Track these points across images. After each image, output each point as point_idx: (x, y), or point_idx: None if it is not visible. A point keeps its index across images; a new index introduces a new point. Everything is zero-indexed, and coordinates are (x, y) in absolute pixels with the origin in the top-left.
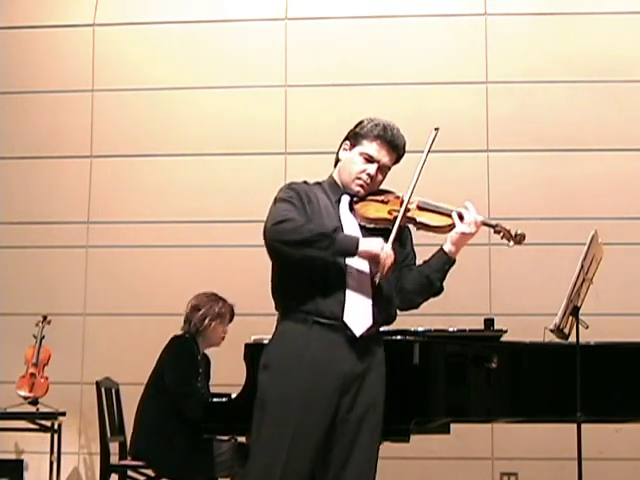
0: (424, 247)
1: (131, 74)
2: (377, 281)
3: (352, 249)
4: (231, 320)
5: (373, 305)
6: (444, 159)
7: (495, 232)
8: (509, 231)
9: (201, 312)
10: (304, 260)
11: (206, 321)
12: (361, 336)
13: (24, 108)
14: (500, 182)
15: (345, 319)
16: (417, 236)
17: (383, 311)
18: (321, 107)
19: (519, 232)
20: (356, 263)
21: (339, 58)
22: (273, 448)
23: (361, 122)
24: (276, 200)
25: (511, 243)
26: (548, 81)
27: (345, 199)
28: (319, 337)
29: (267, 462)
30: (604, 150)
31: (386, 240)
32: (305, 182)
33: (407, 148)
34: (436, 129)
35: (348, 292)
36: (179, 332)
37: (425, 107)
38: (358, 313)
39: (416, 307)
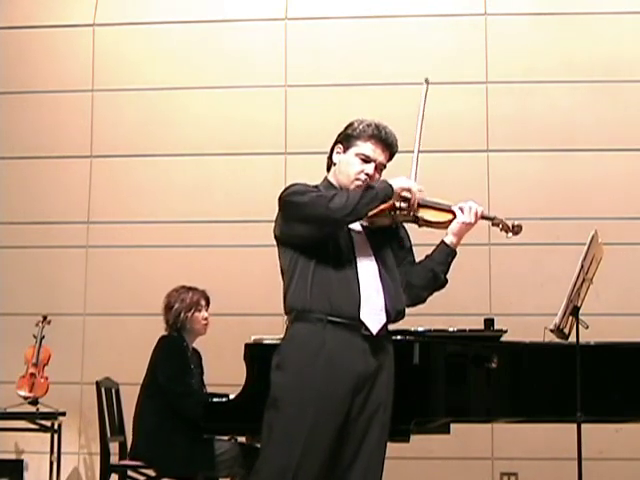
0: (425, 247)
1: (131, 74)
2: (412, 213)
3: (389, 190)
4: (208, 304)
5: (385, 302)
6: (444, 159)
7: (493, 224)
8: (506, 223)
9: (174, 308)
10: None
11: (182, 315)
12: (376, 334)
13: (24, 108)
14: (500, 182)
15: (362, 317)
16: (418, 237)
17: (394, 308)
18: (321, 107)
19: (516, 223)
20: (365, 261)
21: (339, 58)
22: (286, 448)
23: (351, 124)
24: (297, 194)
25: (509, 234)
26: (548, 81)
27: None
28: (334, 337)
29: (280, 462)
30: (604, 150)
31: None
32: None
33: (405, 147)
34: (426, 81)
35: (362, 290)
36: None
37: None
38: (373, 311)
39: (423, 302)
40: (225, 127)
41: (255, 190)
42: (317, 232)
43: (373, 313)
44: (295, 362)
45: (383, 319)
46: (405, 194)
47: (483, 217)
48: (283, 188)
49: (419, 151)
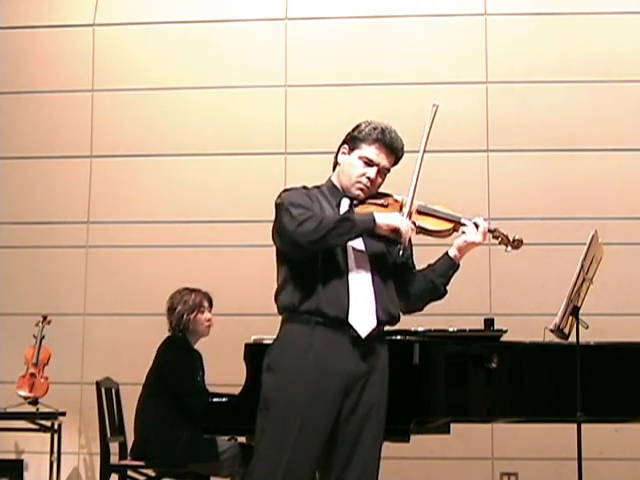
0: (425, 247)
1: (131, 74)
2: (401, 253)
3: (371, 224)
4: (211, 306)
5: (376, 306)
6: (444, 159)
7: (493, 237)
8: (507, 236)
9: (177, 310)
10: (333, 248)
11: (184, 317)
12: (365, 337)
13: (24, 108)
14: (500, 182)
15: (350, 320)
16: (418, 237)
17: (386, 312)
18: (321, 107)
19: (517, 237)
20: (356, 265)
21: (339, 58)
22: (277, 449)
23: (359, 125)
24: (284, 205)
25: (509, 248)
26: (548, 81)
27: (345, 203)
28: (322, 338)
29: (271, 463)
30: (604, 150)
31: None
32: (304, 187)
33: (407, 148)
34: (435, 105)
35: (352, 294)
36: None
37: (425, 107)
38: (363, 314)
39: (420, 310)
40: (225, 127)
41: (255, 190)
42: (288, 251)
43: (362, 316)
44: (284, 363)
45: (373, 323)
46: (392, 234)
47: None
48: (282, 189)
49: (417, 179)
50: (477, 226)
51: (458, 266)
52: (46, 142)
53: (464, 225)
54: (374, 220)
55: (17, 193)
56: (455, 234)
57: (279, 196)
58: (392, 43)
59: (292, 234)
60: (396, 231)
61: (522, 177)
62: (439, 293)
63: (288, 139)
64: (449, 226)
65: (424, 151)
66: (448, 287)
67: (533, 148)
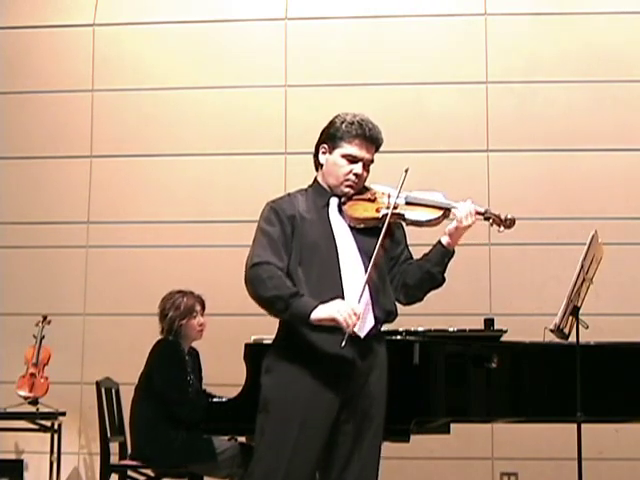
0: (423, 247)
1: (131, 74)
2: (342, 344)
3: (305, 317)
4: (203, 309)
5: (373, 304)
6: (444, 159)
7: (485, 219)
8: (499, 216)
9: (169, 316)
10: (326, 248)
11: (176, 323)
12: (364, 337)
13: (24, 108)
14: (500, 182)
15: None
16: (416, 236)
17: (383, 309)
18: (321, 107)
19: (509, 217)
20: (349, 265)
21: (339, 58)
22: (277, 449)
23: (333, 123)
24: (258, 229)
25: (501, 228)
26: (548, 81)
27: (333, 202)
28: (321, 338)
29: (271, 464)
30: (604, 150)
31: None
32: (288, 194)
33: (405, 147)
34: (406, 170)
35: (346, 293)
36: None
37: (425, 107)
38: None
39: (420, 300)
40: (225, 127)
41: (255, 190)
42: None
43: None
44: (283, 365)
45: (371, 322)
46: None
47: (476, 213)
48: (265, 203)
49: (403, 182)
50: (458, 211)
51: (453, 252)
52: (46, 142)
53: (454, 208)
54: (308, 315)
55: (17, 193)
56: (446, 221)
57: (261, 214)
58: (392, 43)
59: (245, 273)
60: (334, 321)
61: (522, 177)
62: (437, 282)
63: (288, 139)
64: (439, 213)
65: (388, 223)
66: (445, 283)
67: (533, 148)
